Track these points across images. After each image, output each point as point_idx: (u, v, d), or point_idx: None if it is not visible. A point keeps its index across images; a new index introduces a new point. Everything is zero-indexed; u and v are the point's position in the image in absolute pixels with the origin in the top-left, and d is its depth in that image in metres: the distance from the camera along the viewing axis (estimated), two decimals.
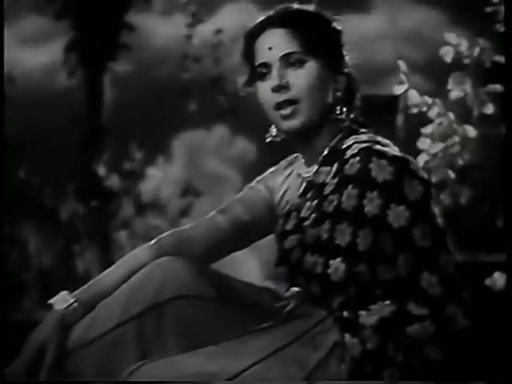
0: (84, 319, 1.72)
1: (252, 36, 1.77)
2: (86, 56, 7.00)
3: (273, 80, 1.73)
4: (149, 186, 6.91)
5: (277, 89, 1.72)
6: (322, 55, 1.73)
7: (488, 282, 2.66)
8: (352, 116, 1.77)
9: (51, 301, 1.73)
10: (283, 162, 1.91)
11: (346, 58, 1.78)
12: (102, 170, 6.65)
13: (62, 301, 1.73)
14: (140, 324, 1.67)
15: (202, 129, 7.03)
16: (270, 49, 1.74)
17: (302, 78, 1.72)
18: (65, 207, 5.89)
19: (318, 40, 1.73)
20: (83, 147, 6.83)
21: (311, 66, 1.73)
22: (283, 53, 1.73)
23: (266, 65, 1.75)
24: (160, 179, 6.95)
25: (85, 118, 6.97)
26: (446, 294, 1.60)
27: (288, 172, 1.88)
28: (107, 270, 1.80)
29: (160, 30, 7.13)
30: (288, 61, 1.73)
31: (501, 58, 2.23)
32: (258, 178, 1.92)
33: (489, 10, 2.44)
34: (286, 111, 1.73)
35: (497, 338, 1.73)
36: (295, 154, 1.87)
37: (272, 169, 1.92)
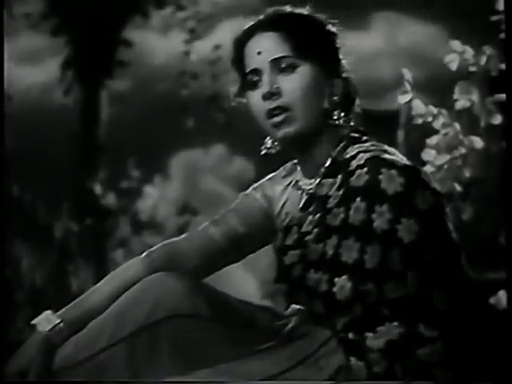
0: (71, 339, 1.63)
1: (241, 42, 1.69)
2: (82, 73, 6.97)
3: (263, 87, 1.64)
4: (146, 204, 6.86)
5: (268, 96, 1.64)
6: (316, 59, 1.65)
7: (492, 300, 2.61)
8: (352, 123, 1.69)
9: (34, 321, 1.65)
10: (281, 170, 1.82)
11: (343, 61, 1.70)
12: (98, 188, 6.59)
13: (45, 321, 1.65)
14: (131, 345, 1.58)
15: (199, 147, 6.99)
16: (259, 53, 1.66)
17: (294, 83, 1.64)
18: (59, 225, 5.84)
19: (310, 43, 1.65)
20: (79, 165, 6.79)
21: (304, 70, 1.64)
22: (273, 57, 1.64)
23: (256, 71, 1.66)
24: (157, 197, 6.90)
25: (81, 136, 6.93)
26: (458, 313, 1.52)
27: (287, 182, 1.78)
28: (95, 287, 1.73)
29: (157, 46, 7.11)
30: (279, 66, 1.64)
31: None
32: (255, 185, 1.82)
33: (494, 18, 2.38)
34: (279, 118, 1.65)
35: (500, 359, 1.64)
36: (294, 161, 1.78)
37: (270, 176, 1.82)
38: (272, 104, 1.64)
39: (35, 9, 6.87)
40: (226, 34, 7.00)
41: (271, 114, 1.65)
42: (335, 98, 1.66)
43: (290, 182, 1.77)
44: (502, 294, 2.54)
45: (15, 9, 6.68)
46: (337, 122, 1.66)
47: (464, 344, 1.50)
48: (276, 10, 1.70)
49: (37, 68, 7.09)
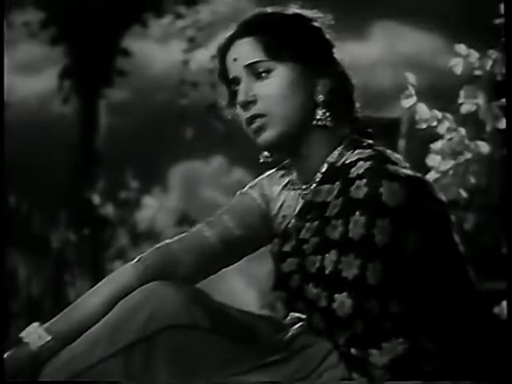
0: (62, 352, 1.56)
1: (223, 51, 1.62)
2: (80, 82, 6.94)
3: (239, 96, 1.58)
4: (144, 215, 6.84)
5: (244, 104, 1.58)
6: (296, 58, 1.57)
7: (496, 309, 2.58)
8: (354, 125, 1.61)
9: (22, 334, 1.58)
10: (279, 168, 1.74)
11: (335, 56, 1.62)
12: (96, 199, 6.56)
13: (33, 334, 1.58)
14: (127, 357, 1.51)
15: (198, 158, 6.97)
16: (235, 60, 1.60)
17: (269, 87, 1.57)
18: (56, 235, 5.80)
19: (288, 43, 1.58)
20: (77, 175, 6.76)
21: (279, 73, 1.58)
22: (246, 63, 1.58)
23: (235, 80, 1.60)
24: (156, 208, 6.88)
25: (79, 146, 6.91)
26: (464, 326, 1.47)
27: (285, 181, 1.71)
28: (85, 295, 1.64)
29: (156, 55, 7.09)
30: (255, 71, 1.58)
31: None
32: (252, 184, 1.75)
33: (498, 22, 2.33)
34: (255, 125, 1.57)
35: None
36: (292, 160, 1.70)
37: (267, 173, 1.75)
38: (249, 112, 1.58)
39: (34, 18, 6.85)
40: (221, 41, 6.94)
41: (249, 121, 1.58)
42: (320, 97, 1.59)
43: (288, 182, 1.70)
44: (505, 304, 2.51)
45: (14, 18, 6.66)
46: (319, 123, 1.58)
47: (468, 355, 1.46)
48: (255, 13, 1.63)
49: (35, 77, 7.07)
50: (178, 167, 7.00)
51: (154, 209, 6.88)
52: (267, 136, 1.58)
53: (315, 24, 1.62)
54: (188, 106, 6.84)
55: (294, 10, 1.63)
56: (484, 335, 1.49)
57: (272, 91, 1.57)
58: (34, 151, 6.27)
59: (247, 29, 1.59)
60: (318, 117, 1.58)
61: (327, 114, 1.58)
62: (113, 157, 6.81)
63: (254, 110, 1.57)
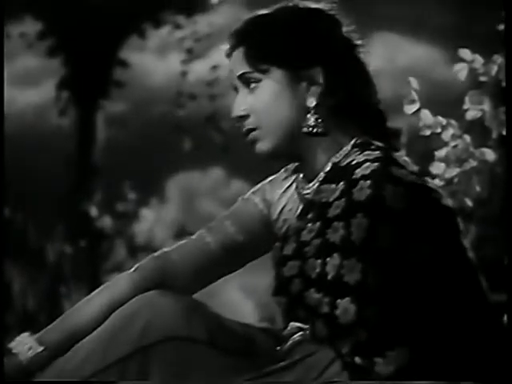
0: (55, 364, 1.51)
1: (228, 61, 1.58)
2: (78, 94, 6.92)
3: (233, 110, 1.55)
4: (142, 227, 6.80)
5: (238, 120, 1.55)
6: (281, 65, 1.52)
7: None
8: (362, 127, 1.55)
9: (11, 345, 1.52)
10: (282, 172, 1.69)
11: (332, 53, 1.55)
12: (93, 211, 6.53)
13: (22, 345, 1.52)
14: (122, 370, 1.46)
15: (197, 170, 6.95)
16: (231, 71, 1.56)
17: (257, 101, 1.53)
18: (52, 248, 5.76)
19: (270, 52, 1.52)
20: (74, 186, 6.72)
21: (266, 84, 1.53)
22: (237, 74, 1.54)
23: (237, 91, 1.56)
24: (154, 220, 6.85)
25: (77, 157, 6.88)
26: (475, 337, 1.42)
27: (287, 184, 1.66)
28: (79, 304, 1.59)
29: (155, 66, 7.07)
30: (246, 83, 1.54)
31: None
32: (254, 189, 1.70)
33: (501, 28, 2.29)
34: (250, 138, 1.54)
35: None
36: (296, 164, 1.65)
37: (270, 178, 1.70)
38: (244, 126, 1.54)
39: (31, 29, 6.83)
40: (223, 54, 6.94)
41: (245, 134, 1.56)
42: (311, 101, 1.55)
43: (290, 185, 1.65)
44: (506, 317, 2.47)
45: (11, 29, 6.63)
46: (310, 130, 1.53)
47: (472, 359, 1.41)
48: (245, 20, 1.58)
49: (32, 89, 7.05)
50: (176, 179, 6.99)
51: (151, 221, 6.85)
52: (262, 148, 1.55)
53: (315, 18, 1.56)
54: (186, 117, 6.82)
55: (291, 5, 1.57)
56: (491, 343, 1.45)
57: (260, 104, 1.53)
58: (30, 163, 6.24)
59: (237, 38, 1.54)
60: (309, 123, 1.53)
61: (319, 120, 1.53)
62: (110, 168, 6.79)
63: (247, 125, 1.54)
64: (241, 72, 1.53)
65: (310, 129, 1.53)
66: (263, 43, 1.52)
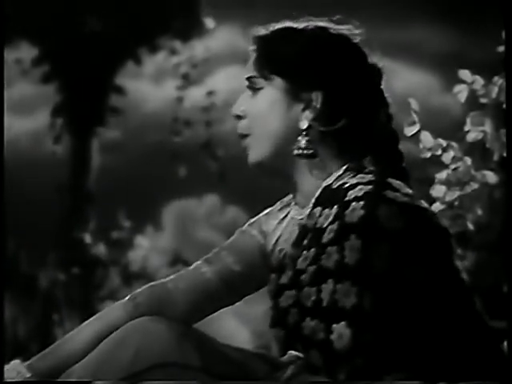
0: None
1: None
2: (73, 121, 6.90)
3: (233, 107, 1.56)
4: (137, 255, 6.77)
5: (234, 117, 1.55)
6: (285, 77, 1.51)
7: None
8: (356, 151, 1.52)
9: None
10: (278, 204, 1.66)
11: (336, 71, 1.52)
12: (88, 238, 6.49)
13: (13, 372, 1.49)
14: None
15: (192, 197, 6.94)
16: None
17: (255, 104, 1.53)
18: (45, 275, 5.72)
19: (279, 60, 1.52)
20: (68, 214, 6.69)
21: (267, 91, 1.52)
22: (245, 77, 1.55)
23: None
24: (148, 248, 6.83)
25: (71, 185, 6.85)
26: (473, 362, 1.38)
27: (283, 215, 1.62)
28: (72, 333, 1.57)
29: (150, 93, 7.06)
30: (252, 86, 1.54)
31: None
32: (251, 221, 1.67)
33: (501, 49, 2.26)
34: (243, 145, 1.54)
35: None
36: (291, 195, 1.62)
37: (267, 210, 1.67)
38: (238, 129, 1.54)
39: (26, 55, 6.81)
40: (219, 79, 6.96)
41: (240, 137, 1.56)
42: (304, 122, 1.51)
43: (286, 216, 1.61)
44: (506, 344, 2.43)
45: (6, 55, 6.62)
46: (298, 151, 1.50)
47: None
48: (273, 28, 1.57)
49: (26, 116, 7.03)
50: (171, 206, 6.97)
51: (146, 249, 6.83)
52: (251, 157, 1.53)
53: (321, 41, 1.53)
54: (181, 144, 6.80)
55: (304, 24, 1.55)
56: (489, 366, 1.41)
57: (256, 109, 1.53)
58: (24, 190, 6.21)
59: (257, 43, 1.57)
60: (300, 145, 1.50)
61: (309, 142, 1.49)
62: (105, 195, 6.76)
63: (240, 128, 1.54)
64: (248, 75, 1.55)
65: (300, 151, 1.50)
66: (275, 53, 1.53)
